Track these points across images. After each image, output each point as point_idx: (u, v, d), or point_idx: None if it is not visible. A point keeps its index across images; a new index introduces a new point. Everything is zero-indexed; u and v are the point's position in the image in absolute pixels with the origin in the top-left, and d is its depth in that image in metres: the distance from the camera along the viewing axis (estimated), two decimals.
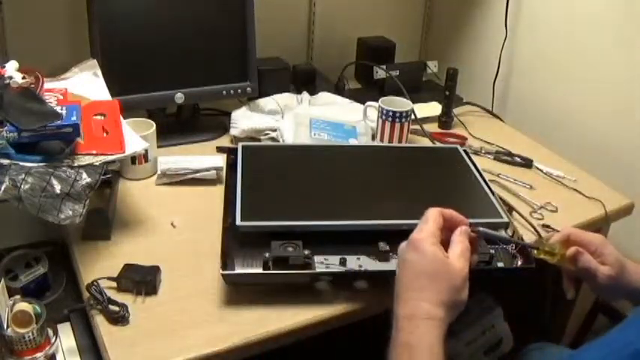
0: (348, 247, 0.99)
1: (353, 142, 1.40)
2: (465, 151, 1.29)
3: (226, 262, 0.96)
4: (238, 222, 0.99)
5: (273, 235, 0.98)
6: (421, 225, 0.82)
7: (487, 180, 1.19)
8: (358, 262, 0.98)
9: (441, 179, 1.22)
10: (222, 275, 0.93)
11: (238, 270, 0.96)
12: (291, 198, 1.09)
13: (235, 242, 1.00)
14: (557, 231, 1.17)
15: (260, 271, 0.96)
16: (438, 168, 1.26)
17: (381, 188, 1.16)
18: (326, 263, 0.97)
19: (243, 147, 1.21)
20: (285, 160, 1.23)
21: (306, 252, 0.96)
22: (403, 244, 0.82)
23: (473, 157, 1.30)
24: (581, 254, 0.89)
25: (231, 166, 1.19)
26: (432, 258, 0.78)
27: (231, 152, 1.23)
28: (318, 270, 0.96)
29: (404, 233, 0.98)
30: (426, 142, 1.48)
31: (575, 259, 0.89)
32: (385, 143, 1.40)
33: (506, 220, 1.06)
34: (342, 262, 0.97)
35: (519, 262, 1.01)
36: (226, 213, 1.05)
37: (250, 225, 0.99)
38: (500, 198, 1.20)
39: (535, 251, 0.90)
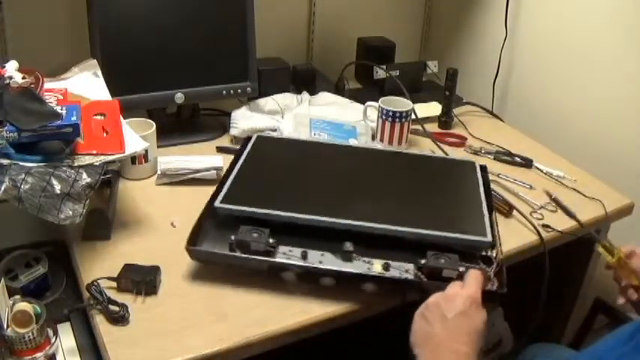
0: (316, 243, 1.00)
1: (353, 142, 1.40)
2: (481, 167, 1.25)
3: (195, 238, 0.99)
4: (217, 203, 1.03)
5: (250, 220, 1.00)
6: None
7: (493, 202, 1.15)
8: (321, 258, 0.99)
9: (438, 190, 1.18)
10: (187, 250, 0.96)
11: (204, 248, 0.99)
12: (278, 189, 1.11)
13: (214, 223, 1.04)
14: (558, 231, 1.18)
15: (224, 252, 0.98)
16: (439, 178, 1.22)
17: (375, 190, 1.15)
18: (288, 254, 0.98)
19: (257, 137, 1.25)
20: (291, 154, 1.24)
21: (272, 240, 0.97)
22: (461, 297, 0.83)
23: (474, 156, 1.28)
24: (637, 255, 0.95)
25: (239, 155, 1.21)
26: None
27: (246, 141, 1.26)
28: (278, 259, 0.97)
29: (374, 237, 0.97)
30: (438, 152, 1.41)
31: (630, 256, 0.97)
32: (394, 148, 1.38)
33: (488, 240, 1.01)
34: (304, 256, 0.98)
35: (495, 286, 0.95)
36: (215, 194, 1.07)
37: (226, 208, 1.03)
38: (501, 198, 1.20)
39: (596, 243, 1.00)
